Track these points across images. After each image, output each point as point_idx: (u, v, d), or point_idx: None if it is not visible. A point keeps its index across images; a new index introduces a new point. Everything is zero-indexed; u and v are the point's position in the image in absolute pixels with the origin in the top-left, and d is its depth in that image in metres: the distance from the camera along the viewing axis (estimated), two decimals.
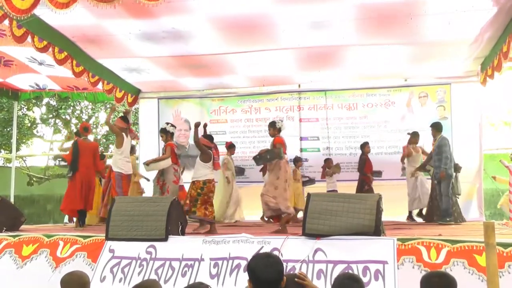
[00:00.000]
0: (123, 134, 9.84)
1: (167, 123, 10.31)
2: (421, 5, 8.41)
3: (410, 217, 11.49)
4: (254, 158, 9.58)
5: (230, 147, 12.23)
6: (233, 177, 11.95)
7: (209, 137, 9.59)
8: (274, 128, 9.36)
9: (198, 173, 9.12)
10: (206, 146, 9.27)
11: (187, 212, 8.56)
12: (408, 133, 11.53)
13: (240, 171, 12.61)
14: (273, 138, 9.35)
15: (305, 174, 12.90)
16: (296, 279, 3.71)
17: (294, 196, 11.26)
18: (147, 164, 9.79)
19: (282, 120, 9.77)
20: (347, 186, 11.89)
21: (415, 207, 11.37)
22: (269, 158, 9.21)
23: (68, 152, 10.55)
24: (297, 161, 12.37)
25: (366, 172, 11.69)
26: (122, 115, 10.71)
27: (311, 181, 12.49)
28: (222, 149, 12.26)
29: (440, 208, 10.19)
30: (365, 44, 10.23)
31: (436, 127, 10.58)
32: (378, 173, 11.92)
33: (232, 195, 11.83)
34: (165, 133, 10.23)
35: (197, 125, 9.63)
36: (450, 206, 9.95)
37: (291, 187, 9.42)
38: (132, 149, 11.14)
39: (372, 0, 8.20)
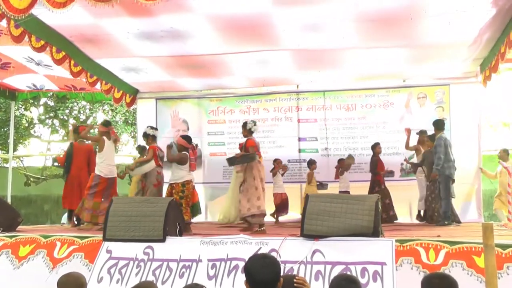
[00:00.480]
0: (104, 138, 9.91)
1: (148, 126, 10.42)
2: (420, 7, 8.41)
3: (419, 216, 11.55)
4: (228, 159, 9.87)
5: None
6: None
7: (187, 138, 9.63)
8: (245, 129, 9.68)
9: (175, 175, 9.16)
10: (182, 147, 9.32)
11: None
12: (417, 133, 11.51)
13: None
14: (245, 140, 9.58)
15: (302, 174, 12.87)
16: (295, 284, 3.71)
17: None
18: (131, 169, 10.03)
19: (255, 123, 9.91)
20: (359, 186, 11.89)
21: (421, 207, 11.42)
22: (243, 162, 9.48)
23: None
24: (311, 163, 12.24)
25: (379, 171, 11.69)
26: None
27: (322, 185, 12.34)
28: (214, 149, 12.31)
29: (435, 210, 10.21)
30: (364, 46, 10.24)
31: (436, 125, 10.61)
32: (391, 173, 11.89)
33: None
34: (146, 137, 10.43)
35: (169, 146, 9.80)
36: (448, 208, 9.93)
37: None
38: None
39: (371, 3, 8.20)
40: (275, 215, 11.98)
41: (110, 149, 10.01)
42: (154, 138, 10.37)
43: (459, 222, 10.23)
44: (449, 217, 9.85)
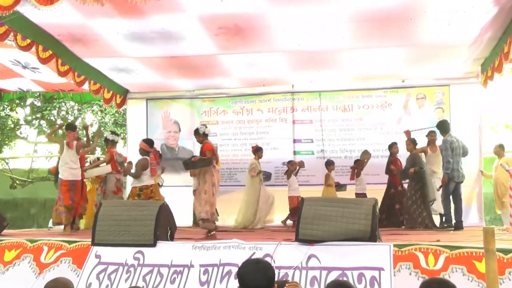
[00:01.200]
0: (64, 141, 10.10)
1: (110, 131, 10.76)
2: (419, 7, 8.43)
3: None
4: (184, 163, 9.96)
5: (257, 150, 11.99)
6: (260, 182, 11.78)
7: (149, 142, 9.89)
8: (199, 134, 9.83)
9: (135, 179, 9.44)
10: (144, 151, 9.55)
11: None
12: (426, 135, 11.48)
13: (267, 176, 12.45)
14: (201, 145, 9.72)
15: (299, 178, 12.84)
16: None
17: None
18: (84, 170, 10.32)
19: (206, 125, 10.13)
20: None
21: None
22: (200, 166, 9.58)
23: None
24: (329, 164, 12.20)
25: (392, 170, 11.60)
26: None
27: (340, 186, 12.30)
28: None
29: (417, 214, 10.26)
30: (362, 46, 10.28)
31: (440, 128, 10.60)
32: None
33: (260, 200, 11.64)
34: (106, 142, 10.79)
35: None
36: (449, 211, 9.94)
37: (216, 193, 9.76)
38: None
39: (369, 3, 8.21)
40: (286, 221, 11.88)
41: (68, 153, 10.00)
42: (113, 143, 10.64)
43: (461, 227, 9.98)
44: (449, 220, 9.86)
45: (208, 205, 9.16)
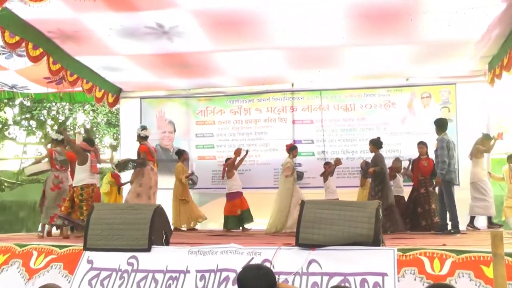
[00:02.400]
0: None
1: (54, 131, 11.06)
2: (424, 3, 8.44)
3: (471, 223, 11.44)
4: (116, 165, 10.47)
5: (292, 149, 11.90)
6: (294, 183, 11.64)
7: (89, 141, 10.18)
8: (138, 137, 10.49)
9: (76, 178, 9.75)
10: (83, 149, 9.80)
11: (63, 217, 9.57)
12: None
13: (299, 176, 12.28)
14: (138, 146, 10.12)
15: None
16: None
17: None
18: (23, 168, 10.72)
19: (144, 128, 10.75)
20: (347, 193, 11.85)
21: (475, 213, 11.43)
22: (132, 167, 10.14)
23: None
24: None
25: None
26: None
27: None
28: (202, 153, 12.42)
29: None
30: (364, 44, 10.29)
31: (437, 125, 10.41)
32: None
33: (293, 203, 11.42)
34: (51, 141, 11.19)
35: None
36: (455, 216, 9.88)
37: (155, 195, 10.31)
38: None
39: None
40: None
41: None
42: (57, 142, 10.72)
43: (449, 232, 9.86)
44: (456, 226, 9.80)
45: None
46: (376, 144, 11.24)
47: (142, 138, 10.47)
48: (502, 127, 19.45)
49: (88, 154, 9.76)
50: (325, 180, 12.01)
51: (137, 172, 10.13)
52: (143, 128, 10.62)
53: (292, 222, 10.97)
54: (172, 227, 11.09)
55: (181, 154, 12.55)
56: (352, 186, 12.40)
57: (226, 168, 12.18)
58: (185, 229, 12.14)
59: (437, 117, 11.21)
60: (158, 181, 10.55)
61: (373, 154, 11.25)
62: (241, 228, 11.96)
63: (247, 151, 12.46)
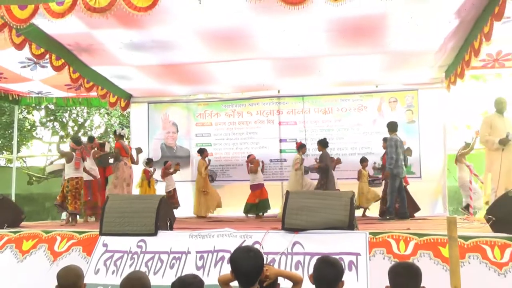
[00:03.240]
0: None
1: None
2: (389, 18, 8.46)
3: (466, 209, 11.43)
4: (95, 159, 10.79)
5: (301, 146, 11.87)
6: (302, 175, 11.57)
7: (76, 141, 10.39)
8: (115, 135, 10.73)
9: (65, 173, 10.01)
10: (71, 148, 10.13)
11: (60, 206, 10.07)
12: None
13: (306, 170, 11.97)
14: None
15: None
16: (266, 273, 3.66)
17: (358, 194, 11.27)
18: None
19: (122, 127, 10.99)
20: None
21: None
22: (104, 162, 10.68)
23: None
24: (363, 161, 12.00)
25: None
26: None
27: (377, 180, 12.02)
28: (207, 150, 12.45)
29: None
30: (339, 54, 10.29)
31: (388, 127, 10.35)
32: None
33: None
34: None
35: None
36: (392, 204, 9.85)
37: (129, 186, 10.48)
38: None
39: (345, 14, 8.19)
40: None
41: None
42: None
43: (406, 217, 9.83)
44: (391, 212, 9.74)
45: None
46: (323, 144, 11.32)
47: (118, 136, 10.59)
48: (456, 127, 19.48)
49: (74, 153, 9.89)
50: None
51: (114, 166, 10.29)
52: (122, 128, 10.78)
53: None
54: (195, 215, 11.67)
55: (203, 152, 12.46)
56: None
57: (250, 164, 12.14)
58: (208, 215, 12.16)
59: (402, 122, 11.24)
60: (132, 175, 10.53)
61: (320, 152, 11.31)
62: (258, 214, 12.00)
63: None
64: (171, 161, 13.08)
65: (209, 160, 12.60)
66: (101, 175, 11.09)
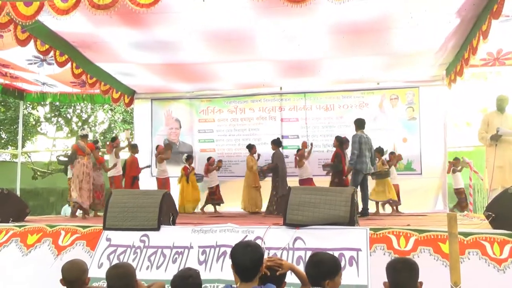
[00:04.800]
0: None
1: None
2: (391, 19, 8.47)
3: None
4: (57, 157, 11.50)
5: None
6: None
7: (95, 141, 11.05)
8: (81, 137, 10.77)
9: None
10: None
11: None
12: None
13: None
14: None
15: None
16: (268, 264, 3.68)
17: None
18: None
19: (83, 128, 11.41)
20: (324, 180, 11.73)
21: None
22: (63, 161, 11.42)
23: None
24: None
25: None
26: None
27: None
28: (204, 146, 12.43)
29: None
30: (343, 55, 10.35)
31: (355, 123, 10.30)
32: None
33: None
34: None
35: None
36: (366, 201, 9.91)
37: (81, 183, 10.21)
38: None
39: (347, 15, 8.20)
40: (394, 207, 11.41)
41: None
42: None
43: (366, 214, 9.73)
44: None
45: (74, 192, 9.97)
46: (276, 143, 11.51)
47: (80, 137, 10.71)
48: (456, 125, 19.50)
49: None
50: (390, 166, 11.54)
51: (73, 165, 10.37)
52: (83, 128, 11.21)
53: None
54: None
55: (251, 148, 12.21)
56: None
57: (297, 158, 11.83)
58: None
59: (403, 119, 11.21)
60: (88, 172, 10.36)
61: (273, 152, 11.46)
62: None
63: (312, 144, 12.25)
64: (174, 157, 13.06)
65: (259, 155, 12.43)
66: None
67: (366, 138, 10.00)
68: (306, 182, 11.43)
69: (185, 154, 13.04)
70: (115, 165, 11.43)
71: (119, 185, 11.43)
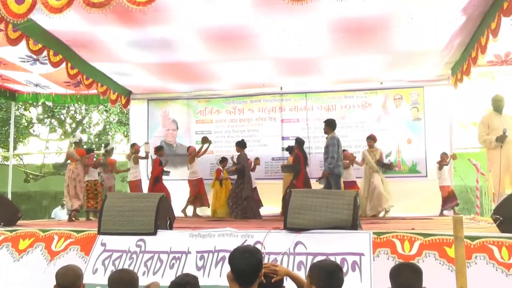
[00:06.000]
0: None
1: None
2: (393, 17, 8.47)
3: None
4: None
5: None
6: (370, 171, 11.53)
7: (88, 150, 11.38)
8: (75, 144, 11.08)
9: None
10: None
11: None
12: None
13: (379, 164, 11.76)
14: None
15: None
16: (264, 270, 3.67)
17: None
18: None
19: (74, 135, 12.22)
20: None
21: None
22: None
23: None
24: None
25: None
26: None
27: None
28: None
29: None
30: (344, 54, 10.37)
31: (328, 124, 10.20)
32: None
33: (370, 190, 11.39)
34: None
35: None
36: None
37: (69, 187, 10.47)
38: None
39: (349, 14, 8.21)
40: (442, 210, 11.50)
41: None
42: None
43: None
44: None
45: (67, 198, 10.48)
46: (240, 145, 11.67)
47: (75, 144, 11.06)
48: (462, 125, 19.50)
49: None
50: (440, 169, 11.76)
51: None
52: (74, 135, 11.76)
53: (372, 206, 11.19)
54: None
55: (293, 150, 11.96)
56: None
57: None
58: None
59: (407, 119, 11.21)
60: (74, 178, 10.55)
61: (239, 153, 11.62)
62: None
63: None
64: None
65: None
66: None
67: (338, 140, 9.96)
68: (351, 184, 11.53)
69: (220, 156, 12.81)
70: (128, 169, 11.77)
71: (135, 190, 11.58)
